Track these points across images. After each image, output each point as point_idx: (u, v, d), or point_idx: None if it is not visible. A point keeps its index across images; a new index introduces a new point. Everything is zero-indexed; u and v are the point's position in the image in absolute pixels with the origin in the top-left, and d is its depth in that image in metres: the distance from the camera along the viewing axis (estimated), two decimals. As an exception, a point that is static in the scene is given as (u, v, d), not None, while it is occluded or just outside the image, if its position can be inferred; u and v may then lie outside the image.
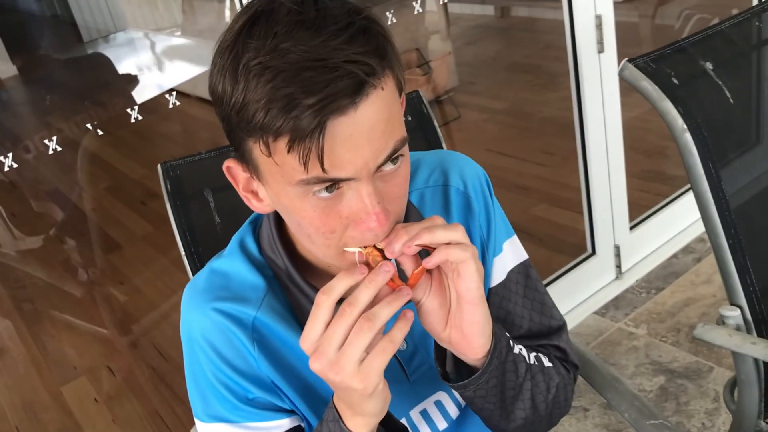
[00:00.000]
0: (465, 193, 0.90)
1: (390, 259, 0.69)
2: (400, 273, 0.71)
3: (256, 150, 0.67)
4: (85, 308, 2.49)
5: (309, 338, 0.67)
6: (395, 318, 0.69)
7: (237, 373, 0.80)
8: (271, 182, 0.70)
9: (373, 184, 0.67)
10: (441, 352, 0.81)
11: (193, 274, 1.11)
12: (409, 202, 0.87)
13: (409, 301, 0.71)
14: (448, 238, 0.69)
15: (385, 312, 0.67)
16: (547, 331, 0.94)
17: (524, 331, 0.93)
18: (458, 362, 0.81)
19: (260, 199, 0.76)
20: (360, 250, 0.70)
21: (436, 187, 0.90)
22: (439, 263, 0.70)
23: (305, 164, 0.63)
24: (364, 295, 0.66)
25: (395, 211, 0.72)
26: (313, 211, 0.68)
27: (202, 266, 1.10)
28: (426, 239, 0.68)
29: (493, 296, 0.92)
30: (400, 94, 0.71)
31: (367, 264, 0.70)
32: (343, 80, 0.61)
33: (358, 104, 0.63)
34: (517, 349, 0.84)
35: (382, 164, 0.67)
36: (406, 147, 0.71)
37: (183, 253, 1.12)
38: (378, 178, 0.68)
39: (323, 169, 0.64)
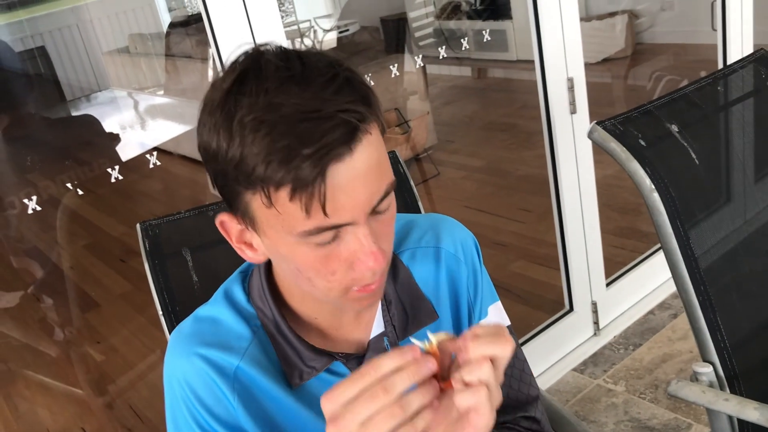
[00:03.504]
0: (455, 256, 0.92)
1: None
2: None
3: (255, 202, 0.69)
4: (61, 368, 2.45)
5: (337, 401, 0.64)
6: None
7: (216, 420, 0.81)
8: (269, 232, 0.71)
9: (369, 225, 0.70)
10: None
11: (170, 333, 1.11)
12: (399, 261, 0.90)
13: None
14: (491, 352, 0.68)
15: (417, 402, 0.65)
16: (525, 400, 0.96)
17: (503, 398, 0.94)
18: None
19: (254, 249, 0.77)
20: (420, 345, 0.68)
21: (427, 248, 0.92)
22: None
23: (307, 211, 0.66)
24: (401, 384, 0.64)
25: (387, 249, 0.75)
26: (314, 256, 0.71)
27: (182, 321, 1.10)
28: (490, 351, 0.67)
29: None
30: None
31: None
32: (339, 128, 0.64)
33: (353, 150, 0.65)
34: None
35: (376, 206, 0.70)
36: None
37: (160, 312, 1.12)
38: (372, 219, 0.71)
39: (325, 214, 0.66)
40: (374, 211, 0.70)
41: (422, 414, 0.65)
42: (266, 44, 0.70)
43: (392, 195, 0.73)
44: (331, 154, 0.64)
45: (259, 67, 0.67)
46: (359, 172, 0.66)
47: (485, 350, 0.67)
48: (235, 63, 0.70)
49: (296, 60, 0.67)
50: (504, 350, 0.67)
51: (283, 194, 0.65)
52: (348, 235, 0.70)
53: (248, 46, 0.71)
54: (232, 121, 0.65)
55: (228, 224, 0.76)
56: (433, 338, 0.69)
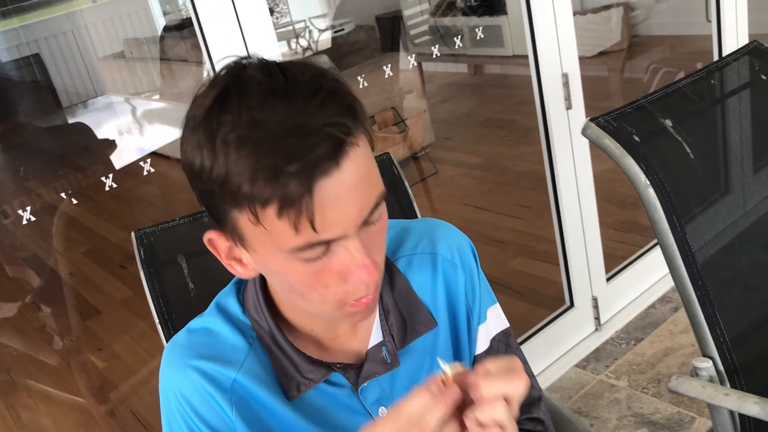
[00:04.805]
0: (452, 262, 0.91)
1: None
2: None
3: (242, 219, 0.68)
4: (63, 377, 2.45)
5: None
6: None
7: None
8: (258, 249, 0.71)
9: (360, 237, 0.69)
10: None
11: (167, 341, 1.11)
12: (395, 269, 0.89)
13: None
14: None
15: None
16: (527, 402, 0.95)
17: None
18: None
19: (244, 265, 0.77)
20: (441, 375, 0.69)
21: (423, 255, 0.92)
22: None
23: (296, 228, 0.65)
24: (434, 421, 0.65)
25: (380, 260, 0.74)
26: (306, 271, 0.70)
27: (177, 333, 1.10)
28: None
29: (478, 365, 0.92)
30: (372, 149, 0.73)
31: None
32: (325, 143, 0.63)
33: (340, 164, 0.65)
34: None
35: (367, 218, 0.69)
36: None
37: (157, 320, 1.12)
38: (362, 231, 0.70)
39: (314, 230, 0.65)
40: (365, 223, 0.70)
41: None
42: (249, 57, 0.69)
43: (383, 205, 0.72)
44: (317, 170, 0.63)
45: (241, 82, 0.66)
46: (347, 185, 0.66)
47: (498, 389, 0.66)
48: (216, 78, 0.68)
49: (279, 73, 0.66)
50: (517, 388, 0.67)
51: (271, 212, 0.65)
52: (339, 248, 0.69)
53: (231, 58, 0.70)
54: (215, 139, 0.65)
55: (216, 241, 0.76)
56: (448, 369, 0.68)
